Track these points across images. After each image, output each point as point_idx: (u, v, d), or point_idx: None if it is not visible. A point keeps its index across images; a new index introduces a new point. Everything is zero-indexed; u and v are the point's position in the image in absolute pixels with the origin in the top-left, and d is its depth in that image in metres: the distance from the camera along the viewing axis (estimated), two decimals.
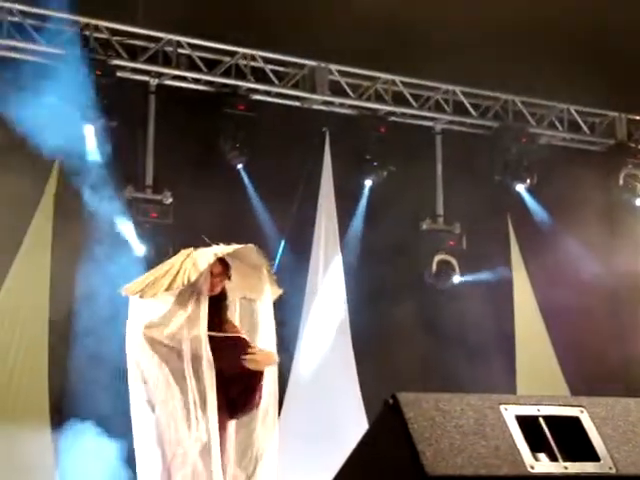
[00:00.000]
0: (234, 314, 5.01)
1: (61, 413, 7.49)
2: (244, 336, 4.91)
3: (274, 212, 9.22)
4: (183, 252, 4.92)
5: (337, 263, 9.62)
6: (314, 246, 9.57)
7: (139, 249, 8.48)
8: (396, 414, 2.74)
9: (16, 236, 7.96)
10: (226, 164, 9.15)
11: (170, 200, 8.82)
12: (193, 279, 4.71)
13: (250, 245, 5.03)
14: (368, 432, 2.91)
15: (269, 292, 5.07)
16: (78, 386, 7.20)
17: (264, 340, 5.02)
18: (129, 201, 8.57)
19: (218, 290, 4.91)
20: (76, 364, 7.47)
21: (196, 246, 4.94)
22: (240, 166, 9.27)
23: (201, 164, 8.83)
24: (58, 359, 7.72)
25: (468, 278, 9.87)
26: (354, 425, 8.27)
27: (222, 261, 4.91)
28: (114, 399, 6.56)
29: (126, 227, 8.43)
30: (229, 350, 4.78)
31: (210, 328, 4.76)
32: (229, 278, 4.95)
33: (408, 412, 2.72)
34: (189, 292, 4.77)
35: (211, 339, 4.73)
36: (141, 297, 4.78)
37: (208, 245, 4.90)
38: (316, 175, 9.62)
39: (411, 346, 9.49)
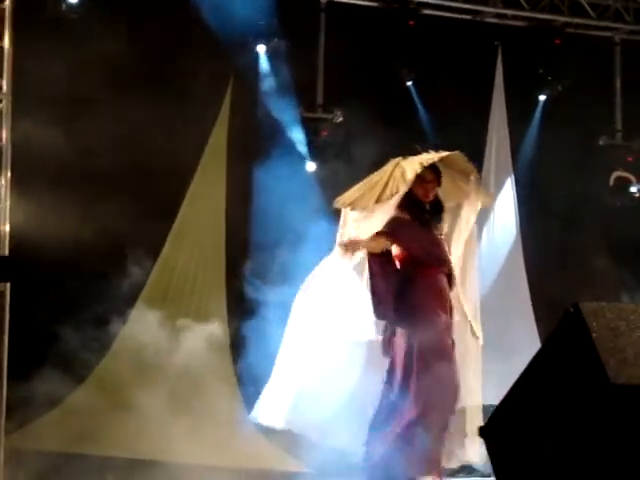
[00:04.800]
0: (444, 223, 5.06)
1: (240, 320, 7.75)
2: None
3: (444, 129, 9.09)
4: (392, 161, 4.95)
5: (509, 182, 9.42)
6: (485, 165, 9.39)
7: (310, 166, 8.63)
8: (578, 323, 2.69)
9: (195, 153, 8.27)
10: (396, 81, 9.07)
11: (340, 119, 8.88)
12: (401, 190, 4.74)
13: (457, 152, 4.99)
14: (548, 341, 2.88)
15: (476, 198, 5.03)
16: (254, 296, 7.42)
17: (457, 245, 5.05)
18: (301, 120, 8.68)
19: (431, 197, 4.94)
20: (252, 277, 7.70)
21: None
22: (410, 83, 9.17)
23: (371, 81, 8.79)
24: (235, 273, 8.01)
25: None
26: (526, 345, 8.17)
27: (433, 168, 4.90)
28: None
29: (299, 144, 8.58)
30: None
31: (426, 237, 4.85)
32: (439, 184, 4.96)
33: (591, 321, 2.67)
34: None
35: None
36: (352, 209, 4.82)
37: (417, 153, 4.88)
38: (488, 91, 9.39)
39: (587, 264, 9.25)
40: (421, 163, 4.80)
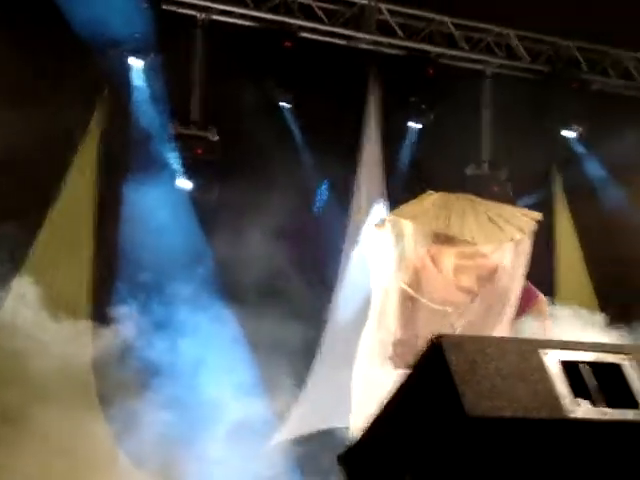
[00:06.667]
0: None
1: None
2: None
3: (318, 152, 9.17)
4: (459, 196, 4.70)
5: (380, 207, 9.54)
6: (356, 189, 9.51)
7: (185, 184, 8.54)
8: (438, 356, 2.73)
9: (64, 165, 8.07)
10: (272, 101, 9.10)
11: (216, 137, 8.83)
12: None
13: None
14: (410, 373, 2.91)
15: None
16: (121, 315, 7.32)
17: None
18: (175, 136, 8.59)
19: None
20: (121, 289, 7.59)
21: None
22: (285, 104, 9.22)
23: (247, 101, 8.80)
24: (103, 293, 7.84)
25: None
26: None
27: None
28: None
29: (172, 162, 8.49)
30: None
31: None
32: None
33: (450, 354, 2.71)
34: None
35: None
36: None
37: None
38: (361, 116, 9.52)
39: None
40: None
